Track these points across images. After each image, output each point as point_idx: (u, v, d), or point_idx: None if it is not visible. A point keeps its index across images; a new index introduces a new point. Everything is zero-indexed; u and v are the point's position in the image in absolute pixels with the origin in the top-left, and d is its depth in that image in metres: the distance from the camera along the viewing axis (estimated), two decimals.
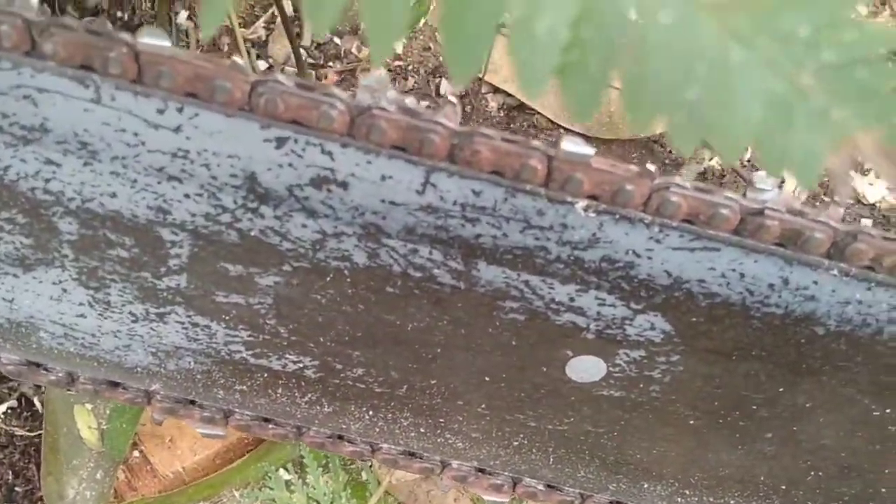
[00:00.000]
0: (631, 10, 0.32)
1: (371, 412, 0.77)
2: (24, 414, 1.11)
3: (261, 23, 1.19)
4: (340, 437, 0.81)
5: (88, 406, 0.94)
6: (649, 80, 0.33)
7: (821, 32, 0.33)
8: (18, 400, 1.11)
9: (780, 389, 0.70)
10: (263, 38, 1.18)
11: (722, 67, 0.33)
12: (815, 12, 0.33)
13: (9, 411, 1.11)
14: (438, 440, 0.79)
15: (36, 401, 1.11)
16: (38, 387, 1.09)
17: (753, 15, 0.33)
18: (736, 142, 0.34)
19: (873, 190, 1.41)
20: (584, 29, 0.32)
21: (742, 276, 0.61)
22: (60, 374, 0.77)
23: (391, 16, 0.31)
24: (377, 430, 0.79)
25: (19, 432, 1.07)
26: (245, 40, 1.13)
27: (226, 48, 1.14)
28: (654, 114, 0.34)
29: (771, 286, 0.62)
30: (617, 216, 0.59)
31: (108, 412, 0.93)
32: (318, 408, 0.77)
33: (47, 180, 0.61)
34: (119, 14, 1.08)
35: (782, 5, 0.33)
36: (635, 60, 0.32)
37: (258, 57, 1.16)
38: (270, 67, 1.17)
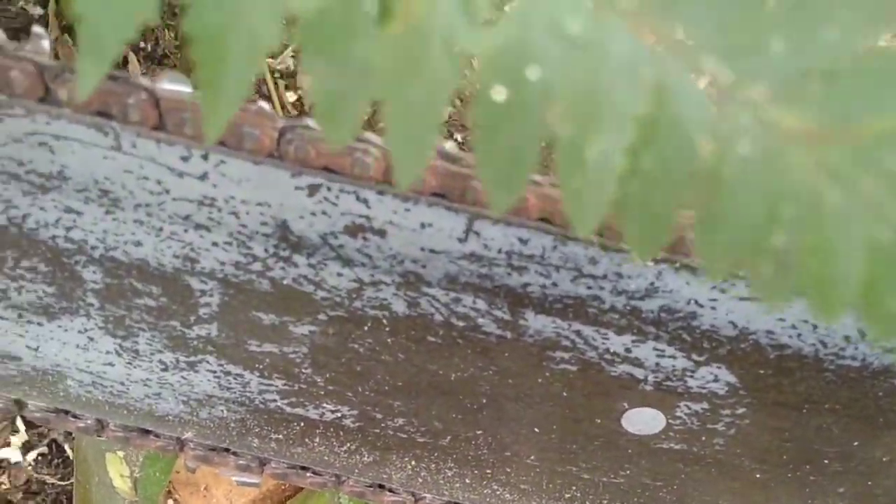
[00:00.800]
0: (701, 138, 0.26)
1: (413, 462, 0.73)
2: (55, 461, 1.07)
3: (289, 52, 1.13)
4: (381, 487, 0.77)
5: (120, 454, 0.91)
6: (725, 222, 0.28)
7: None
8: (49, 446, 1.08)
9: (856, 443, 0.65)
10: (292, 67, 1.12)
11: (815, 210, 0.27)
12: None
13: (39, 458, 1.08)
14: (485, 491, 0.75)
15: (67, 447, 1.08)
16: (69, 433, 1.06)
17: (852, 148, 0.27)
18: (836, 299, 0.28)
19: None
20: (645, 157, 0.27)
21: (815, 327, 0.56)
22: (90, 422, 0.74)
23: (420, 143, 0.26)
24: (420, 480, 0.75)
25: (50, 480, 1.04)
26: (272, 71, 1.09)
27: (252, 79, 1.09)
28: (733, 260, 0.28)
29: (846, 338, 0.57)
30: (677, 265, 0.54)
31: (140, 460, 0.90)
32: (357, 457, 0.74)
33: (68, 228, 0.57)
34: (142, 44, 1.05)
35: (886, 137, 0.27)
36: (708, 197, 0.27)
37: (287, 88, 1.11)
38: (300, 99, 1.12)
